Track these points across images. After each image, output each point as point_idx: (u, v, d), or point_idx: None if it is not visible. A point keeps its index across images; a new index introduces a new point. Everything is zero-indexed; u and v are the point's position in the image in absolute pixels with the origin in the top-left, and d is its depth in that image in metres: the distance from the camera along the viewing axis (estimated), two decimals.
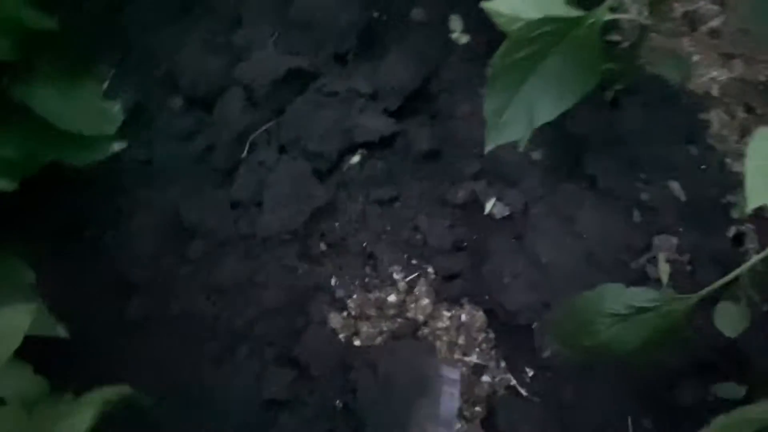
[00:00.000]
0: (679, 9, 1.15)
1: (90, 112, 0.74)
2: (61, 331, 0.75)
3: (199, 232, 0.97)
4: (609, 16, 0.75)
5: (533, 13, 0.76)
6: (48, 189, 0.91)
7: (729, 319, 0.84)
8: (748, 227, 0.97)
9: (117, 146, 0.83)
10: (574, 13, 0.75)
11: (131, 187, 1.00)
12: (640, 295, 0.72)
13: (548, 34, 0.74)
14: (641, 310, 0.72)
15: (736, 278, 0.73)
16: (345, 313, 1.00)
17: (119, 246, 0.95)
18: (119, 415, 0.69)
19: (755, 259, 0.72)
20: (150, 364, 0.88)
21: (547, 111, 0.81)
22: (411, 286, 1.02)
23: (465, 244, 1.03)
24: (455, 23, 1.14)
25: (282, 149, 1.05)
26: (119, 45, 1.12)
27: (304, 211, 1.01)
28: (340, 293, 1.02)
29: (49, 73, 0.66)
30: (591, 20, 0.74)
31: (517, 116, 0.80)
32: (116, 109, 0.80)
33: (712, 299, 0.87)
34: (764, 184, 0.62)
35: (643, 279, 0.95)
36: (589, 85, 0.80)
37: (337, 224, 1.04)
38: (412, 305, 1.01)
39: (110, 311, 0.90)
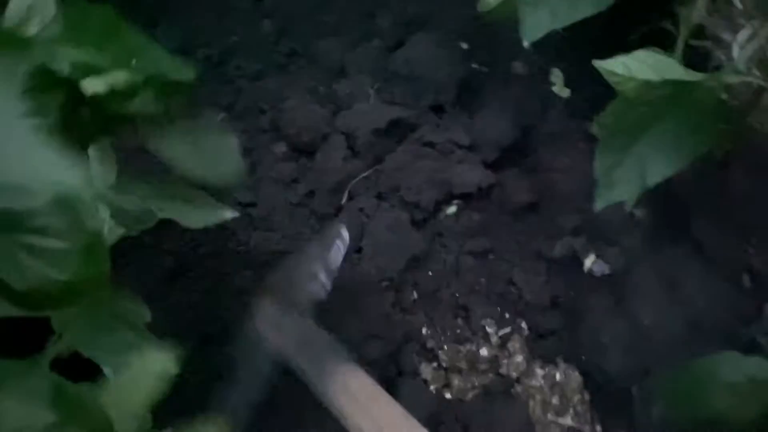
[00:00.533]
0: None
1: (219, 162, 0.76)
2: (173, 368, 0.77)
3: None
4: (731, 79, 0.73)
5: (650, 75, 0.75)
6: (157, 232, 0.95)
7: None
8: None
9: (229, 214, 0.85)
10: (693, 76, 0.74)
11: (235, 228, 1.03)
12: (762, 366, 0.69)
13: (666, 96, 0.73)
14: (762, 381, 0.68)
15: None
16: (436, 365, 1.00)
17: (221, 288, 0.98)
18: None
19: None
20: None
21: (659, 171, 0.80)
22: (504, 341, 1.00)
23: (561, 300, 1.01)
24: (556, 77, 1.14)
25: (380, 197, 1.06)
26: (226, 93, 1.17)
27: (401, 259, 1.01)
28: (431, 344, 1.01)
29: (182, 124, 0.69)
30: (710, 83, 0.73)
31: (628, 175, 0.80)
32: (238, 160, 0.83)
33: None
34: None
35: (753, 349, 0.91)
36: (704, 147, 0.79)
37: (430, 273, 1.04)
38: (505, 361, 0.99)
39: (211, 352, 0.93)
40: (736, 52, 0.87)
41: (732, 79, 0.74)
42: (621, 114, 0.77)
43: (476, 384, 0.98)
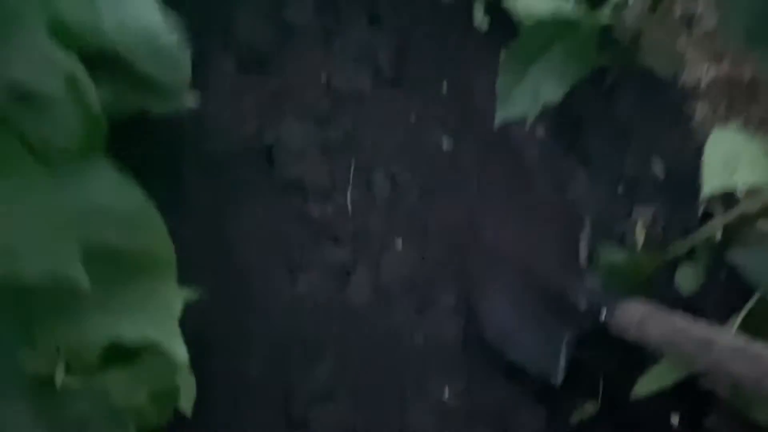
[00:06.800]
0: (678, 11, 1.29)
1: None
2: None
3: None
4: (607, 21, 0.91)
5: (544, 12, 0.92)
6: None
7: (687, 278, 1.01)
8: (715, 206, 1.14)
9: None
10: (577, 14, 0.91)
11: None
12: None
13: (554, 31, 0.91)
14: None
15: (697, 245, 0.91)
16: None
17: None
18: None
19: (712, 227, 0.89)
20: None
21: (550, 92, 0.98)
22: None
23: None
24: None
25: None
26: None
27: None
28: None
29: None
30: (591, 22, 0.91)
31: (524, 94, 0.97)
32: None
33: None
34: (715, 177, 0.80)
35: (622, 242, 1.13)
36: (584, 72, 0.97)
37: None
38: None
39: None
40: None
41: (608, 20, 0.91)
42: (522, 43, 0.94)
43: None
